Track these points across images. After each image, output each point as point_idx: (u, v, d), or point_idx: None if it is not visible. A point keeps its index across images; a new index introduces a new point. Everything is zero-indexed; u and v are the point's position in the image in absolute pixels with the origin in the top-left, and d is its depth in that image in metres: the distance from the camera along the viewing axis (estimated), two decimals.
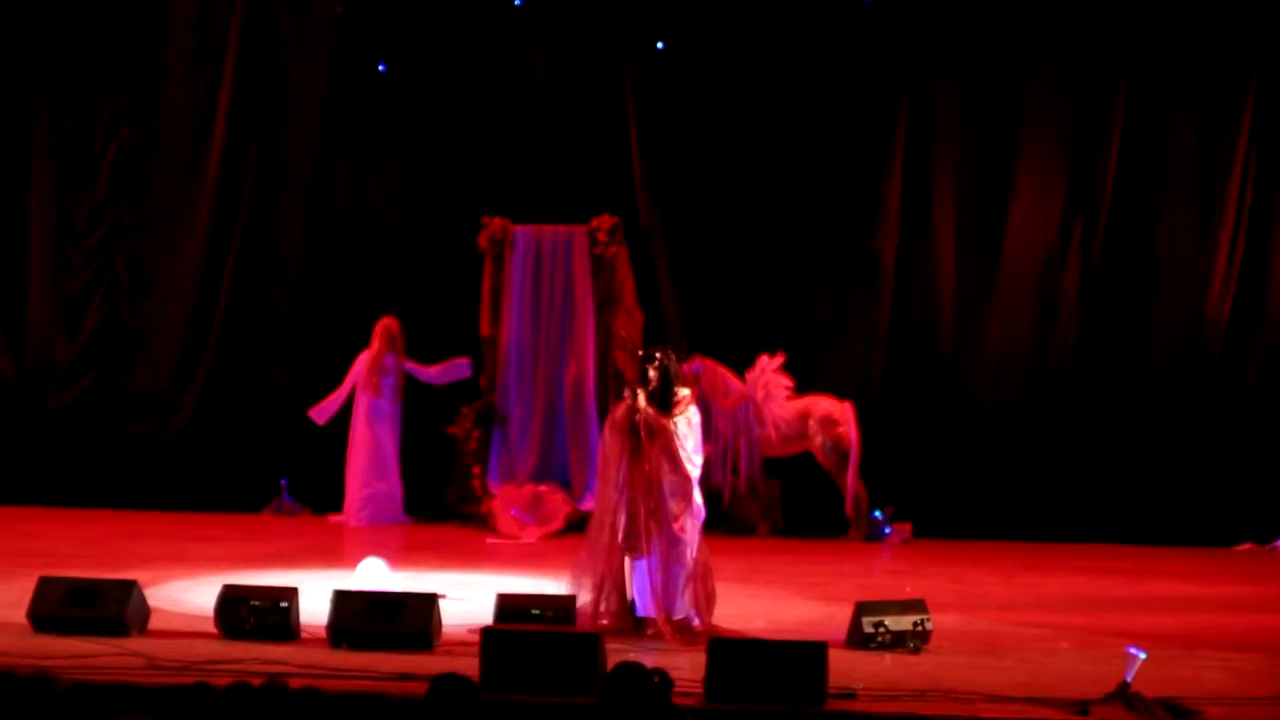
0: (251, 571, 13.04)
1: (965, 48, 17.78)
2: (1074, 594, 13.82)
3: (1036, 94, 17.70)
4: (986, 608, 12.79)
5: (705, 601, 11.33)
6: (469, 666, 9.21)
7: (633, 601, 11.27)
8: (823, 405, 17.17)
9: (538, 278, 17.67)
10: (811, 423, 17.12)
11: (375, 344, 17.57)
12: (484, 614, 11.03)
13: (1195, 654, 10.95)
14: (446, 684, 7.28)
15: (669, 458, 11.22)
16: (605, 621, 11.14)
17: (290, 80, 18.55)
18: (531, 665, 9.41)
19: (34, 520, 16.70)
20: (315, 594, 11.15)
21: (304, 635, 10.76)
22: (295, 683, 7.35)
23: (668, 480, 11.21)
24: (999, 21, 17.70)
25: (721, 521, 17.01)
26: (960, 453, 17.59)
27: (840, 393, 17.30)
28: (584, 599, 11.27)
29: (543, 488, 17.20)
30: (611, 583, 11.27)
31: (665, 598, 11.15)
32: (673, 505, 11.19)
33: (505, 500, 17.11)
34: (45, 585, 10.91)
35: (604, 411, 15.32)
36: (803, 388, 17.34)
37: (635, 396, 11.28)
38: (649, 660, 8.34)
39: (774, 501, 17.42)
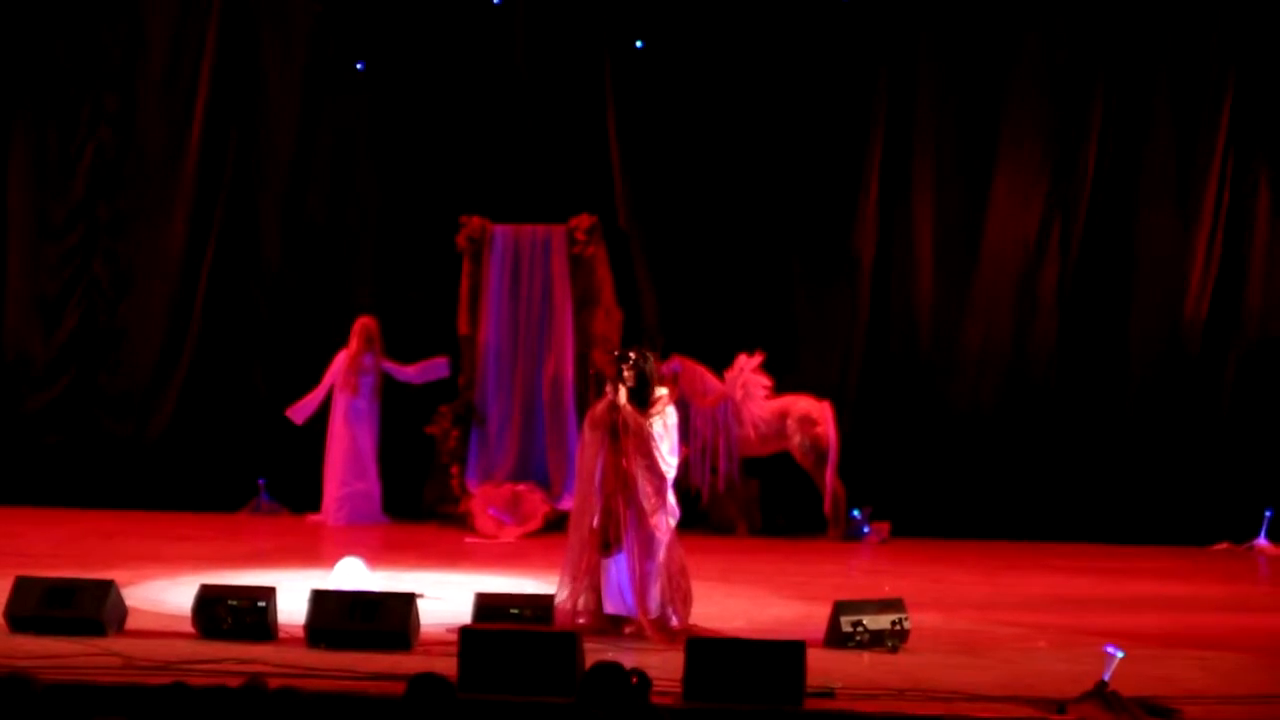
0: (229, 571, 13.02)
1: (943, 47, 17.79)
2: (1052, 593, 13.83)
3: (1015, 93, 17.71)
4: (965, 607, 12.80)
5: (682, 600, 11.33)
6: (447, 666, 9.21)
7: (601, 599, 11.25)
8: (801, 405, 17.18)
9: (516, 277, 17.66)
10: (790, 422, 17.12)
11: (353, 343, 17.55)
12: (462, 613, 11.03)
13: (1173, 653, 10.97)
14: (424, 683, 7.28)
15: (644, 456, 11.21)
16: (583, 620, 11.13)
17: (269, 80, 18.52)
18: (510, 665, 9.41)
19: (11, 520, 16.63)
20: (293, 594, 11.14)
21: (282, 635, 10.74)
22: (273, 683, 7.35)
23: (643, 478, 11.20)
24: (977, 21, 17.72)
25: (700, 521, 17.05)
26: (939, 452, 17.60)
27: (819, 392, 17.32)
28: (562, 596, 11.27)
29: (521, 487, 17.19)
30: (589, 581, 11.27)
31: (641, 595, 11.15)
32: (647, 503, 11.18)
33: (484, 500, 17.09)
34: (22, 585, 10.89)
35: (583, 411, 15.30)
36: (781, 387, 17.34)
37: (616, 393, 11.28)
38: (627, 660, 8.34)
39: (752, 501, 17.42)
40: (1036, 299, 17.69)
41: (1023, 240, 17.70)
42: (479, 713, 8.89)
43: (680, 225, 18.05)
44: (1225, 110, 17.42)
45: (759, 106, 17.91)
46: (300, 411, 17.60)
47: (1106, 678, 9.34)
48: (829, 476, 16.94)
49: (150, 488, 18.02)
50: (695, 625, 11.22)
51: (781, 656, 9.40)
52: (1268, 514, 16.84)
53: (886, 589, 12.71)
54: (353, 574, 12.36)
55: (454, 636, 9.81)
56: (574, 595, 11.28)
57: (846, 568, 15.37)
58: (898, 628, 10.88)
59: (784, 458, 17.27)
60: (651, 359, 11.49)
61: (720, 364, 17.36)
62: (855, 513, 16.99)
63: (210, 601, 10.78)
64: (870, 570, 15.17)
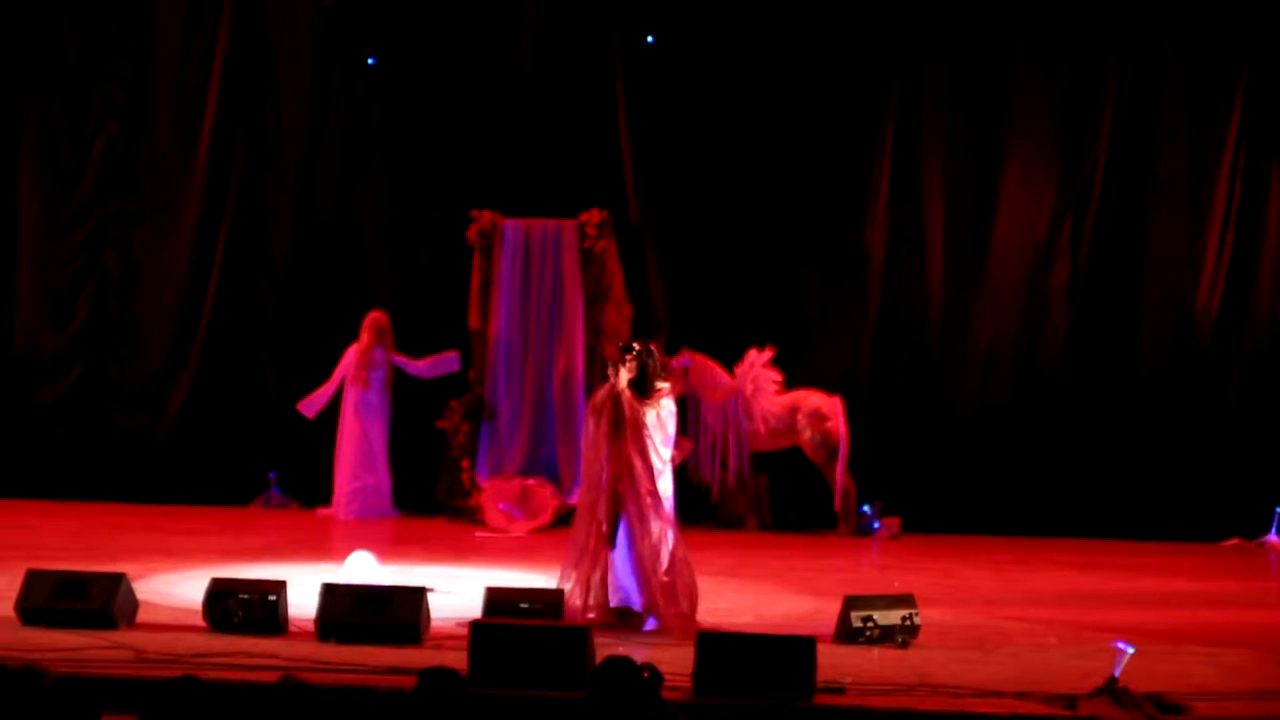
0: (240, 565, 13.05)
1: (954, 44, 17.78)
2: (1062, 589, 13.82)
3: (1025, 90, 17.70)
4: (975, 602, 12.80)
5: (686, 594, 11.31)
6: (457, 660, 9.22)
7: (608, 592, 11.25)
8: (811, 400, 17.17)
9: (527, 272, 17.67)
10: (800, 417, 17.12)
11: (364, 337, 17.55)
12: (472, 608, 11.04)
13: (1183, 649, 10.97)
14: (435, 677, 7.28)
15: (638, 444, 11.19)
16: (593, 616, 11.13)
17: (279, 74, 18.51)
18: (520, 659, 9.42)
19: (22, 513, 16.67)
20: (303, 587, 11.17)
21: (292, 629, 10.76)
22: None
23: (638, 465, 11.18)
24: (987, 18, 17.70)
25: (710, 516, 17.08)
26: (949, 448, 17.59)
27: (829, 387, 17.30)
28: (568, 588, 11.26)
29: (531, 481, 17.19)
30: (599, 575, 11.26)
31: (646, 585, 11.13)
32: (644, 492, 11.17)
33: (494, 494, 17.10)
34: (33, 578, 10.91)
35: None
36: (791, 382, 17.34)
37: (616, 377, 11.29)
38: (638, 654, 8.34)
39: (763, 496, 17.42)
40: (1046, 295, 17.68)
41: (1033, 236, 17.69)
42: (490, 707, 8.89)
43: (691, 220, 18.05)
44: (1236, 106, 17.41)
45: (770, 101, 17.90)
46: (311, 405, 17.60)
47: (1117, 674, 9.34)
48: (839, 472, 16.93)
49: (161, 481, 18.02)
50: (701, 620, 11.22)
51: (792, 651, 9.40)
52: (1279, 510, 16.83)
53: (897, 584, 12.74)
54: (363, 568, 12.36)
55: (464, 631, 9.81)
56: (583, 590, 11.27)
57: (857, 563, 15.38)
58: (908, 623, 10.88)
59: (794, 453, 17.26)
60: (657, 354, 11.48)
61: (730, 359, 17.35)
62: (865, 508, 16.99)
63: (221, 595, 10.79)
64: (880, 565, 15.18)
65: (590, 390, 17.03)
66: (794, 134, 17.87)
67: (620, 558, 11.20)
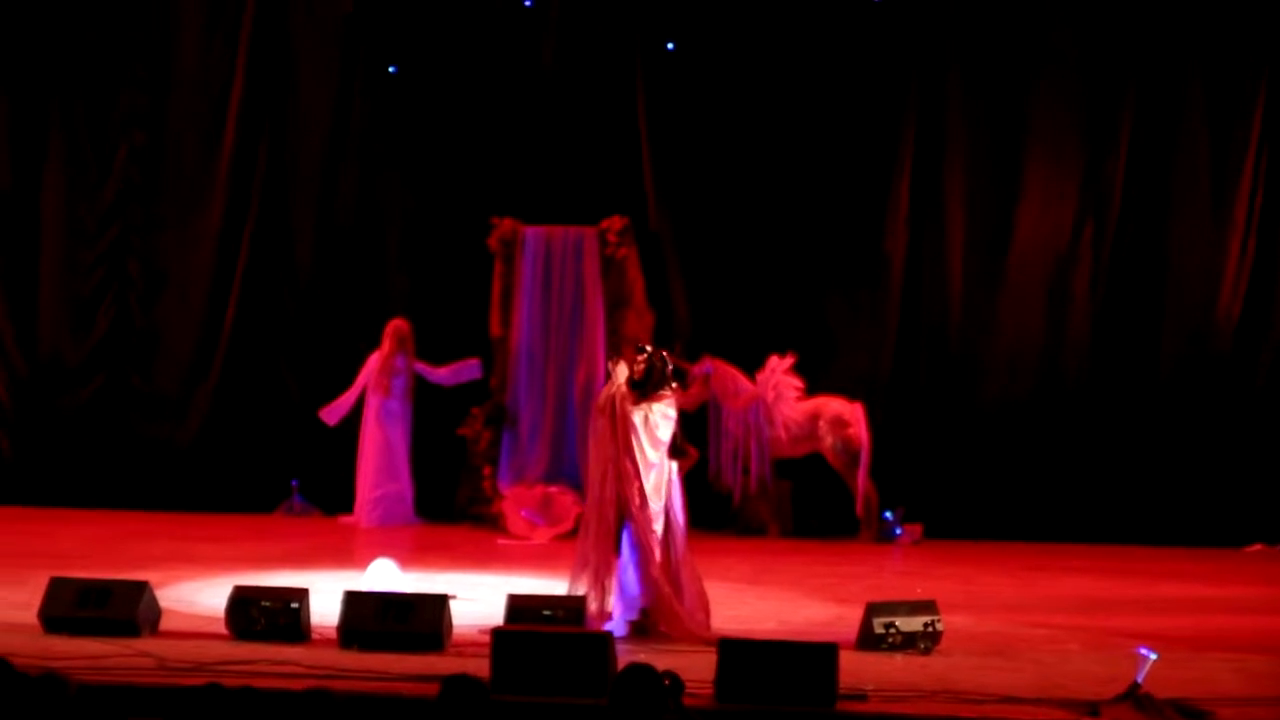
0: (262, 572, 13.06)
1: (975, 49, 17.76)
2: (1084, 595, 13.81)
3: (1046, 95, 17.68)
4: (997, 609, 12.79)
5: (699, 601, 11.27)
6: (479, 667, 9.24)
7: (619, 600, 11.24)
8: (833, 406, 17.16)
9: (548, 279, 17.68)
10: (822, 424, 17.11)
11: (386, 345, 17.57)
12: (494, 615, 11.04)
13: (1206, 655, 10.96)
14: (457, 685, 7.29)
15: (624, 441, 11.16)
16: (609, 619, 11.13)
17: (301, 82, 18.55)
18: (542, 666, 9.43)
19: (45, 521, 16.72)
20: (326, 595, 11.18)
21: (315, 636, 10.78)
22: (306, 684, 7.37)
23: (625, 463, 11.16)
24: (1008, 23, 17.69)
25: (731, 522, 17.09)
26: (971, 454, 17.57)
27: (851, 393, 17.30)
28: (581, 592, 11.23)
29: (553, 489, 17.20)
30: (612, 580, 11.24)
31: (648, 589, 11.12)
32: (633, 493, 11.16)
33: (516, 501, 17.12)
34: (56, 586, 10.93)
35: None
36: (813, 388, 17.33)
37: (615, 370, 11.29)
38: (660, 661, 8.34)
39: (784, 502, 17.41)
40: (1068, 300, 17.66)
41: (1054, 241, 17.67)
42: (512, 714, 8.90)
43: (712, 227, 18.05)
44: (1258, 110, 17.38)
45: (790, 107, 17.90)
46: (333, 413, 17.63)
47: (1140, 680, 9.34)
48: (861, 478, 16.91)
49: (183, 489, 18.06)
50: (720, 628, 11.19)
51: (814, 658, 9.40)
52: None
53: (919, 591, 12.70)
54: (385, 575, 12.38)
55: (486, 638, 9.83)
56: (599, 598, 11.25)
57: (879, 569, 15.36)
58: (930, 630, 10.87)
59: (816, 459, 17.25)
60: (670, 361, 11.46)
61: (752, 365, 17.35)
62: (887, 514, 16.98)
63: (244, 603, 10.81)
64: (902, 572, 15.17)
65: None
66: (815, 140, 17.87)
67: (625, 564, 11.18)
